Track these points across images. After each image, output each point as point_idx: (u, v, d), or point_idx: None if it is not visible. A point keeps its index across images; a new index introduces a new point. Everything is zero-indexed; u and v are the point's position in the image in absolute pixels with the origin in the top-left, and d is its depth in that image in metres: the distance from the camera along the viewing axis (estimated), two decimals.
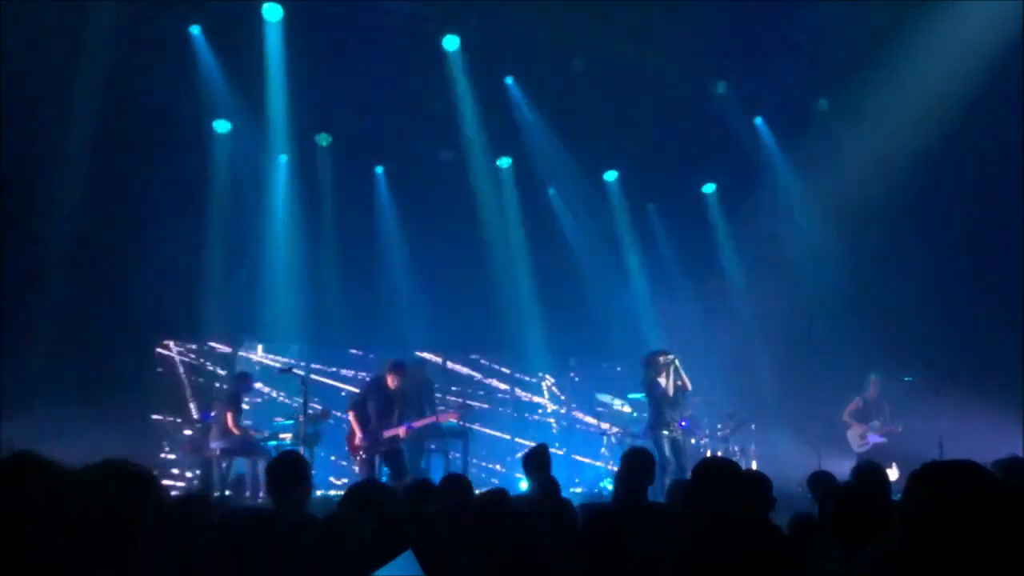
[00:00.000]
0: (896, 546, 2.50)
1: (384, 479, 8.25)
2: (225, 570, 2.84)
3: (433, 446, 9.59)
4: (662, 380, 8.93)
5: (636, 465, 4.76)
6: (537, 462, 5.39)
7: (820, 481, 4.85)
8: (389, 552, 2.60)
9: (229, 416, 9.04)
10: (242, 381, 9.64)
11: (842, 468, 7.74)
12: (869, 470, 4.55)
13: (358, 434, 8.49)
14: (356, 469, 8.83)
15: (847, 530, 2.97)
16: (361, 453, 8.46)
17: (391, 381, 8.64)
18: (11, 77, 8.57)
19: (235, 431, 9.02)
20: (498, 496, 4.15)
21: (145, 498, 1.97)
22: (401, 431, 8.53)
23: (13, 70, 8.57)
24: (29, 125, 9.10)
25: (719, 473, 2.95)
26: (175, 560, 3.12)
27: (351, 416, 8.68)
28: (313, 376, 10.97)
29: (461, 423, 9.55)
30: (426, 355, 10.82)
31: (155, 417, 10.75)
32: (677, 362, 9.01)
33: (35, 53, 8.94)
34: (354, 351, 11.60)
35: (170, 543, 3.12)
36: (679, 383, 9.01)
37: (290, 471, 3.79)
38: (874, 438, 10.19)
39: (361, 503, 3.51)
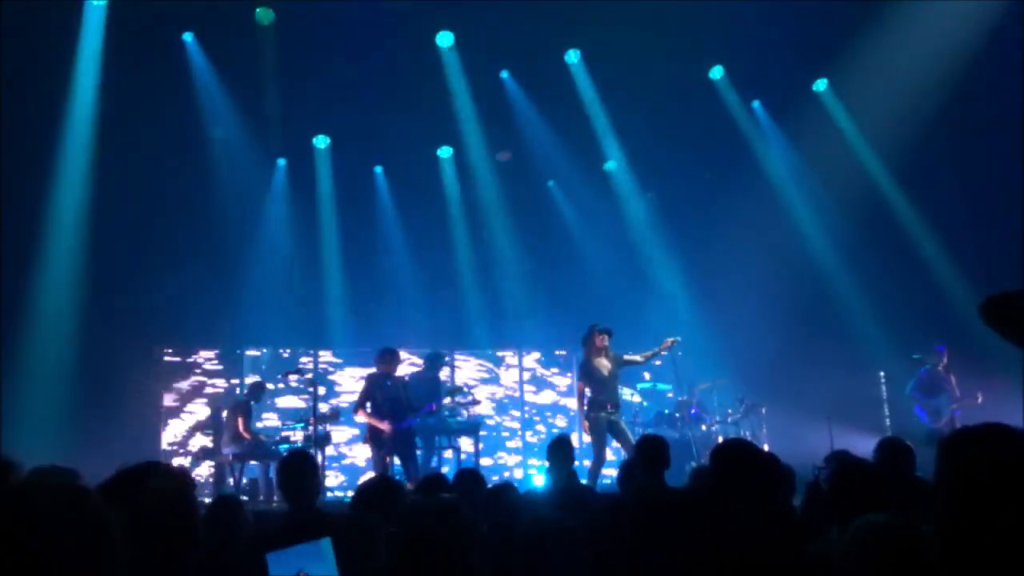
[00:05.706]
0: (889, 519, 2.49)
1: (398, 476, 8.21)
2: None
3: (445, 442, 9.54)
4: (599, 361, 8.60)
5: (651, 452, 4.79)
6: (559, 452, 5.43)
7: (835, 459, 4.82)
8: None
9: (240, 421, 9.07)
10: (255, 389, 9.67)
11: (857, 447, 7.70)
12: (890, 445, 4.46)
13: (381, 426, 8.25)
14: (370, 473, 8.74)
15: (841, 505, 2.97)
16: (388, 442, 8.27)
17: (388, 367, 8.57)
18: (5, 90, 8.56)
19: (247, 436, 9.06)
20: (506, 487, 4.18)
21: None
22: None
23: (7, 84, 8.56)
24: (24, 136, 9.10)
25: (737, 456, 2.93)
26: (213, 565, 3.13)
27: (362, 415, 8.50)
28: (320, 377, 10.95)
29: (471, 416, 9.53)
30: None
31: (164, 424, 10.77)
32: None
33: (28, 66, 8.93)
34: (358, 351, 11.57)
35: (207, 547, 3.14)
36: (623, 359, 8.70)
37: (296, 470, 3.78)
38: (950, 411, 9.76)
39: (372, 502, 3.53)
